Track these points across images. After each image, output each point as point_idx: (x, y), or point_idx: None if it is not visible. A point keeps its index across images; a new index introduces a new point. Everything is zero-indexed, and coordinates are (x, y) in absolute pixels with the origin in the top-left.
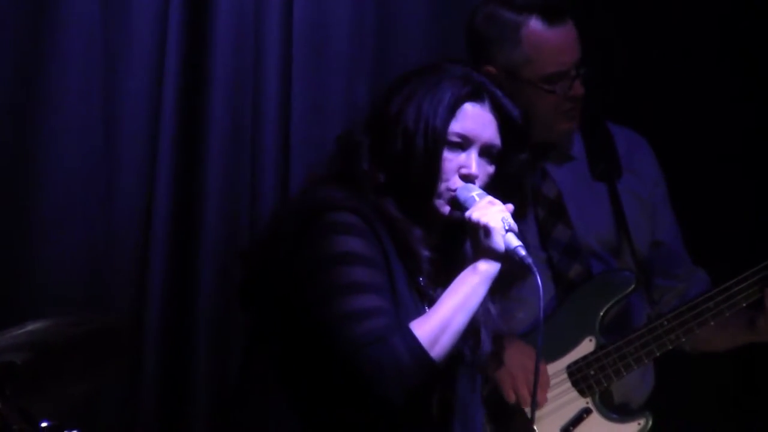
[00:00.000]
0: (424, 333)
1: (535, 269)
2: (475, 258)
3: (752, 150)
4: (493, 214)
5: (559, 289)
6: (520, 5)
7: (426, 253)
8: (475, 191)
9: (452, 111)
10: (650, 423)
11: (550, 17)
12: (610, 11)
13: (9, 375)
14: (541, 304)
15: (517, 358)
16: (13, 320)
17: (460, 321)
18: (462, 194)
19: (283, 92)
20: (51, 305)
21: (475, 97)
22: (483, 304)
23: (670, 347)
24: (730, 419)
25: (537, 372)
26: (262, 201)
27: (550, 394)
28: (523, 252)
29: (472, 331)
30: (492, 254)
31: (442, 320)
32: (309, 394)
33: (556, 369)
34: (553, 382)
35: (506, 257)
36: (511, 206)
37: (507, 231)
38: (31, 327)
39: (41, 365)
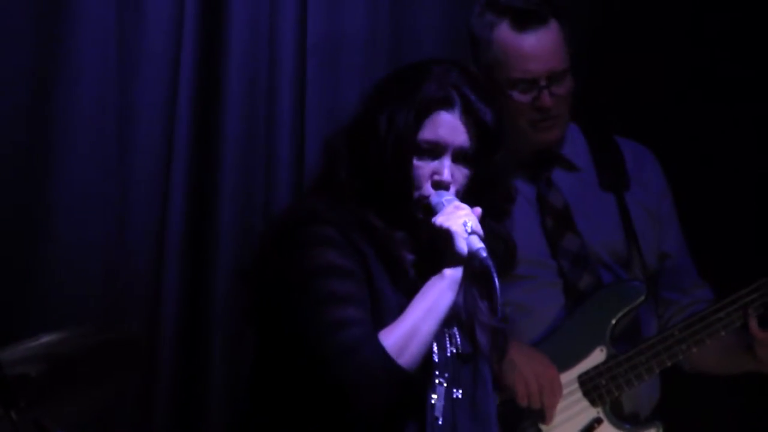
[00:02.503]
0: (392, 341)
1: (494, 271)
2: (443, 262)
3: (756, 159)
4: (455, 218)
5: (569, 299)
6: (500, 7)
7: (410, 256)
8: (445, 197)
9: (421, 119)
10: None
11: (521, 22)
12: (611, 23)
13: (23, 387)
14: (499, 302)
15: (530, 365)
16: (27, 332)
17: (429, 327)
18: (433, 200)
19: (297, 104)
20: (65, 317)
21: (446, 104)
22: (471, 301)
23: (681, 357)
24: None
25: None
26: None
27: (561, 404)
28: (484, 254)
29: (466, 327)
30: (456, 258)
31: (409, 327)
32: (295, 406)
33: (568, 379)
34: (564, 391)
35: (470, 260)
36: (479, 210)
37: (469, 234)
38: (45, 339)
39: (55, 377)
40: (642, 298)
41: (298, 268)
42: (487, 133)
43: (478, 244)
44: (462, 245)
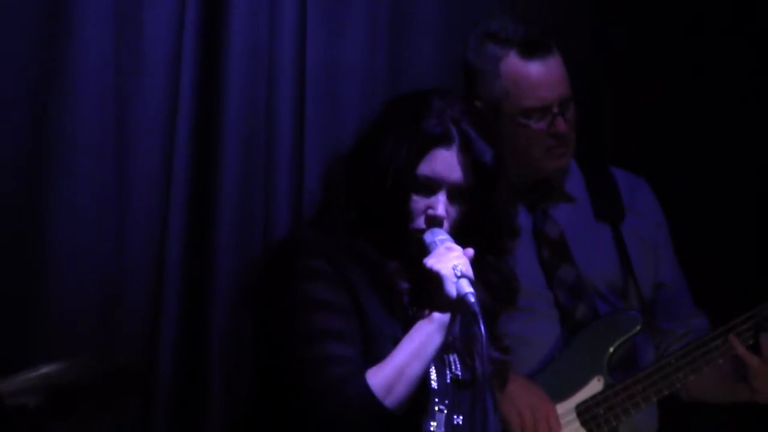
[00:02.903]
0: (378, 382)
1: (480, 318)
2: (433, 305)
3: (753, 188)
4: (445, 261)
5: (566, 330)
6: (503, 38)
7: (404, 285)
8: (439, 236)
9: (421, 155)
10: None
11: (530, 51)
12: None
13: (22, 418)
14: (484, 348)
15: (526, 398)
16: (26, 363)
17: (415, 369)
18: (427, 239)
19: (296, 133)
20: (64, 347)
21: (445, 140)
22: (466, 332)
23: (679, 386)
24: None
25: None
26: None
27: None
28: (472, 299)
29: (464, 354)
30: (445, 301)
31: (396, 369)
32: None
33: (566, 409)
34: (562, 422)
35: (459, 304)
36: (470, 251)
37: (459, 278)
38: (44, 370)
39: (54, 408)
40: (638, 327)
41: (288, 301)
42: (484, 171)
43: (467, 288)
44: (451, 289)
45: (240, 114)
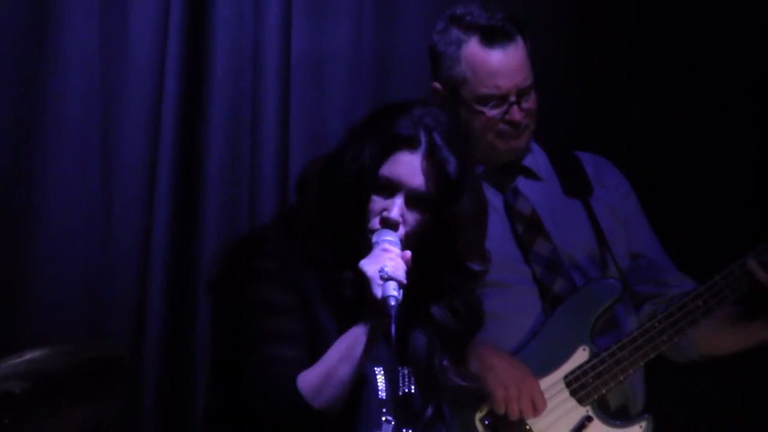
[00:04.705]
0: (307, 384)
1: (393, 324)
2: (364, 307)
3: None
4: (376, 263)
5: (546, 303)
6: (466, 23)
7: (350, 294)
8: (384, 236)
9: (384, 155)
10: (651, 426)
11: (490, 39)
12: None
13: (7, 404)
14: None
15: (511, 372)
16: (12, 349)
17: (344, 371)
18: (373, 239)
19: (281, 123)
20: (50, 334)
21: (410, 144)
22: (424, 347)
23: (663, 348)
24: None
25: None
26: None
27: (550, 405)
28: (392, 302)
29: (418, 370)
30: (372, 304)
31: (325, 370)
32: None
33: (554, 380)
34: (551, 393)
35: (383, 306)
36: (408, 254)
37: (385, 280)
38: (29, 356)
39: (40, 394)
40: (619, 294)
41: (238, 300)
42: (447, 182)
43: (390, 291)
44: (377, 291)
45: (225, 104)
